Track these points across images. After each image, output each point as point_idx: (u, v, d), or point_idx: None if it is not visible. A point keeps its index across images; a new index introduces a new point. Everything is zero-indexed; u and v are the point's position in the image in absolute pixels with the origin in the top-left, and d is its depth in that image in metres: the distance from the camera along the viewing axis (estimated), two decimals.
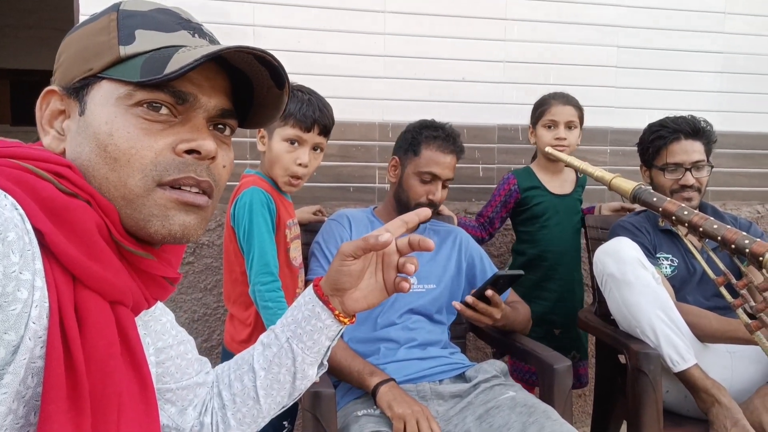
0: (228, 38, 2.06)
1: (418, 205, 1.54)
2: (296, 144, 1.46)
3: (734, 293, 0.90)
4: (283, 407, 0.89)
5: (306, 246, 1.71)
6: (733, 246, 0.81)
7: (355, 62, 2.18)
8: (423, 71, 2.24)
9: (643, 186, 1.02)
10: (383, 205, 1.74)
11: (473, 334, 1.95)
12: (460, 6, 2.25)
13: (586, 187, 2.35)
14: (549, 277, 1.97)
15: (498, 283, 1.44)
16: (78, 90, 0.61)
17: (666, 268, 1.72)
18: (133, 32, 0.60)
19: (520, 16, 2.31)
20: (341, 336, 1.46)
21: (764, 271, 0.78)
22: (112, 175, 0.58)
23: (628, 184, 1.03)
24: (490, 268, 1.70)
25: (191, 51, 0.59)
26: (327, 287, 0.82)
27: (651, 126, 1.83)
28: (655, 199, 0.96)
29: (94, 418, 0.52)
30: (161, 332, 0.78)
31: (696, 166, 1.73)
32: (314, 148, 1.50)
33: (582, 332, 2.03)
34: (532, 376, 1.98)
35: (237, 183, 1.52)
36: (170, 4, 0.65)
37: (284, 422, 1.51)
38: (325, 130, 1.49)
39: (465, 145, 2.23)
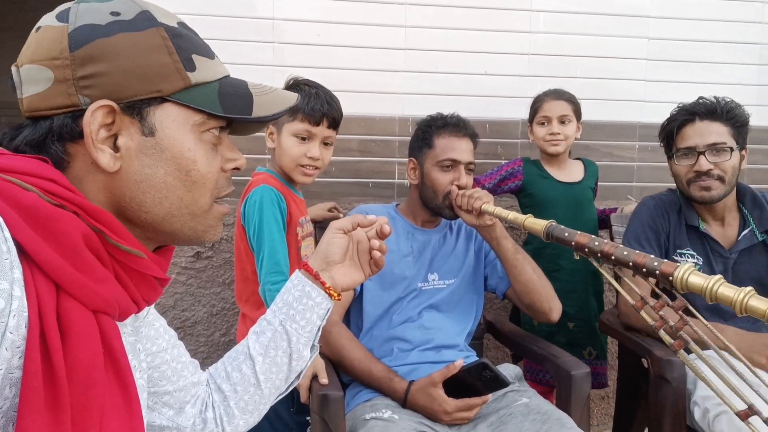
0: (246, 31, 2.04)
1: (447, 196, 1.52)
2: (306, 139, 1.45)
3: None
4: (280, 394, 0.91)
5: None
6: (644, 270, 0.82)
7: (375, 55, 2.15)
8: (444, 64, 2.19)
9: (554, 223, 1.02)
10: (406, 202, 1.71)
11: (491, 335, 1.91)
12: None
13: (610, 184, 2.28)
14: (557, 266, 1.91)
15: (482, 377, 1.30)
16: (139, 109, 0.60)
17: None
18: (190, 57, 0.63)
19: (545, 6, 2.24)
20: (359, 338, 1.49)
21: (675, 290, 0.78)
22: (187, 195, 0.64)
23: (539, 224, 1.04)
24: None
25: (267, 95, 0.68)
26: (317, 263, 0.91)
27: (670, 113, 1.69)
28: (566, 234, 0.97)
29: (74, 429, 0.51)
30: (155, 337, 0.78)
31: (714, 149, 1.54)
32: (324, 142, 1.48)
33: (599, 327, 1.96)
34: (545, 376, 1.94)
35: (248, 179, 1.51)
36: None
37: (308, 418, 1.51)
38: (334, 123, 1.48)
39: (487, 140, 2.22)
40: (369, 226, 0.93)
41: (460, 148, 1.56)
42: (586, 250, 0.92)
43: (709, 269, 1.63)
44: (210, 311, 2.11)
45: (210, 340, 2.12)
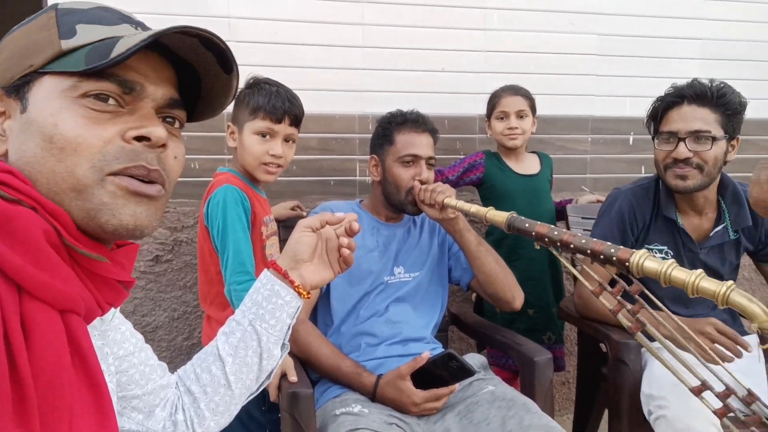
0: None
1: (409, 192, 1.54)
2: (268, 137, 1.45)
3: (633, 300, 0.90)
4: (251, 394, 0.90)
5: (285, 242, 1.69)
6: (602, 257, 0.85)
7: (333, 54, 2.14)
8: (402, 62, 2.21)
9: (515, 215, 1.04)
10: (369, 199, 1.72)
11: (456, 327, 1.94)
12: None
13: (565, 176, 2.34)
14: (516, 256, 1.96)
15: (448, 367, 1.32)
16: (18, 88, 0.60)
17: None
18: (73, 27, 0.60)
19: (500, 4, 2.29)
20: (327, 336, 1.49)
21: (632, 275, 0.82)
22: (59, 166, 0.57)
23: (501, 216, 1.08)
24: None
25: (134, 36, 0.58)
26: (286, 262, 0.89)
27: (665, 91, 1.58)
28: (527, 225, 1.00)
29: (43, 430, 0.50)
30: (121, 341, 0.77)
31: (696, 136, 1.45)
32: (286, 139, 1.48)
33: (556, 313, 2.02)
34: (508, 361, 1.99)
35: (210, 180, 1.50)
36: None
37: (279, 415, 1.50)
38: (296, 121, 1.48)
39: (446, 136, 2.25)
40: (337, 223, 0.92)
41: (421, 144, 1.58)
42: (546, 239, 0.95)
43: (678, 263, 1.67)
44: (171, 315, 2.08)
45: (172, 345, 2.09)
